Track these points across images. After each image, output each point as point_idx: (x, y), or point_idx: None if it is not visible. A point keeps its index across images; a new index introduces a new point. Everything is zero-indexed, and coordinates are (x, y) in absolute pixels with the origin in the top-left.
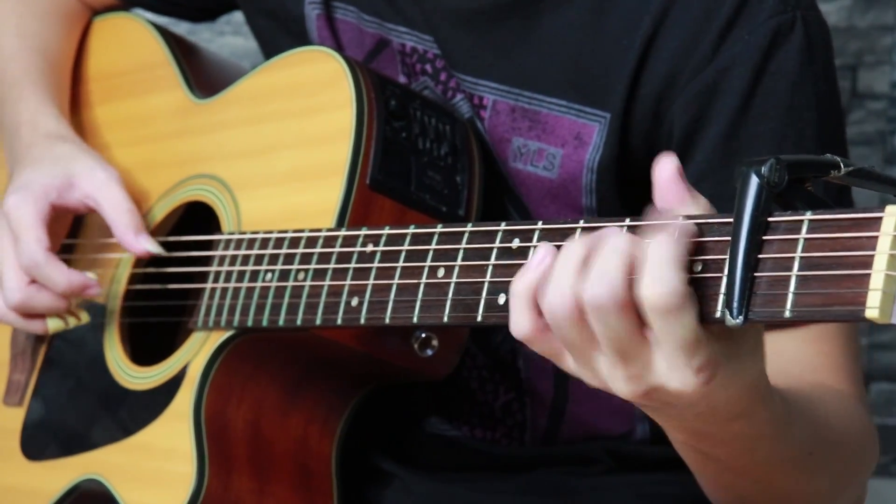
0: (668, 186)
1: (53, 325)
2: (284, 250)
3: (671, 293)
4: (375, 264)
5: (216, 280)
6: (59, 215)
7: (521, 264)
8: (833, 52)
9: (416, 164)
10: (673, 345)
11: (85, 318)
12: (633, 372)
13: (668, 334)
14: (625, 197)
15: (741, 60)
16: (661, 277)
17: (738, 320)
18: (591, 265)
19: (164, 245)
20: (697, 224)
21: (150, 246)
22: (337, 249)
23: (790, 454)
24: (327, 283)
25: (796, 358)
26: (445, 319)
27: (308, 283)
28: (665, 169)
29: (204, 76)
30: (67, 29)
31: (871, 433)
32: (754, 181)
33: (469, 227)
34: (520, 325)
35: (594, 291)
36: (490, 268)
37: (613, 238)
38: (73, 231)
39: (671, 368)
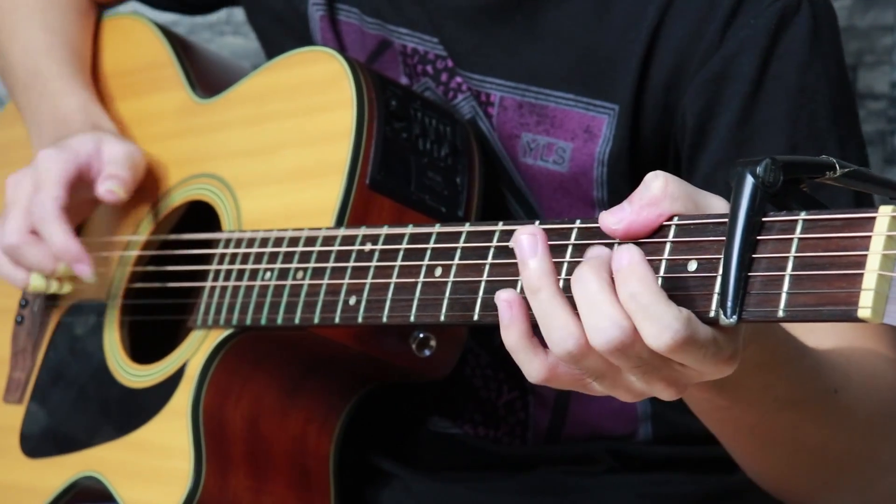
0: (646, 207)
1: (35, 282)
2: (283, 249)
3: (675, 336)
4: (373, 263)
5: (215, 278)
6: (81, 183)
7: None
8: (839, 31)
9: (416, 164)
10: (699, 364)
11: (66, 289)
12: (670, 377)
13: (692, 361)
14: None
15: (748, 45)
16: (659, 323)
17: (731, 319)
18: (586, 313)
19: (165, 244)
20: (692, 224)
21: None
22: (335, 248)
23: (811, 389)
24: (326, 281)
25: (832, 329)
26: (442, 318)
27: (306, 281)
28: (653, 187)
29: (206, 76)
30: (85, 24)
31: None
32: (749, 181)
33: (466, 227)
34: (533, 372)
35: (603, 338)
36: (487, 267)
37: (586, 282)
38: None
39: (704, 370)
